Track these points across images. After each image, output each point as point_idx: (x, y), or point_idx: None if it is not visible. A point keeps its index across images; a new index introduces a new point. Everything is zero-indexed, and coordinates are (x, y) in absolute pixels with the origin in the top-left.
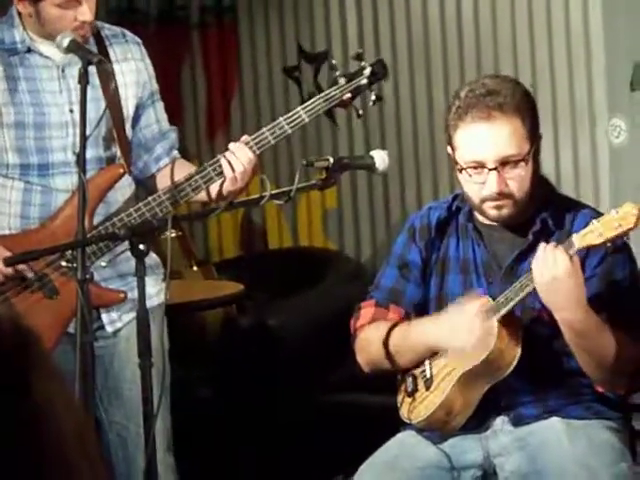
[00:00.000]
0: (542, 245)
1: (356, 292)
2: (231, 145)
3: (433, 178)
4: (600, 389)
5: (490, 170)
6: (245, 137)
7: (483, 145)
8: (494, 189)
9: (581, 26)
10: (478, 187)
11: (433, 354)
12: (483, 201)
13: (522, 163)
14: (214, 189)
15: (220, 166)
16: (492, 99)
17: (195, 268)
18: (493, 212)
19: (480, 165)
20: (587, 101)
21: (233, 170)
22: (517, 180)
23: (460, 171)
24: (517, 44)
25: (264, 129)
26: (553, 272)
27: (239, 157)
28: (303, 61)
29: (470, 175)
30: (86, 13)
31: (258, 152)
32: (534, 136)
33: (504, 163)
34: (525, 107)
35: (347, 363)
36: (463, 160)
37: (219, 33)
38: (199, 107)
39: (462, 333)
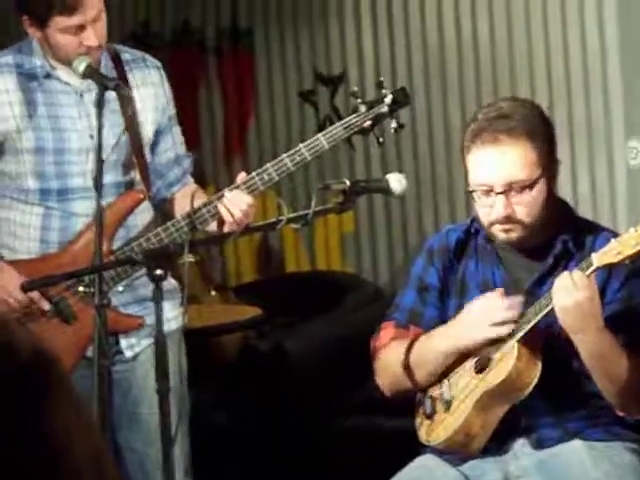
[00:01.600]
0: (564, 273)
1: (374, 316)
2: (227, 193)
3: (450, 200)
4: (620, 413)
5: (497, 194)
6: (242, 175)
7: (490, 169)
8: (501, 213)
9: (598, 47)
10: (487, 210)
11: (451, 372)
12: (492, 224)
13: (531, 188)
14: (211, 227)
15: (215, 207)
16: (502, 123)
17: (213, 293)
18: (502, 235)
19: (488, 188)
20: (604, 123)
21: (232, 216)
22: (525, 205)
23: (471, 193)
24: (533, 65)
25: (284, 155)
26: (574, 297)
27: (237, 204)
28: (319, 84)
29: (479, 198)
30: (91, 38)
31: (277, 178)
32: (548, 161)
33: (513, 187)
34: (538, 131)
35: (365, 387)
36: (473, 182)
37: (235, 57)
38: (216, 131)
39: (484, 321)
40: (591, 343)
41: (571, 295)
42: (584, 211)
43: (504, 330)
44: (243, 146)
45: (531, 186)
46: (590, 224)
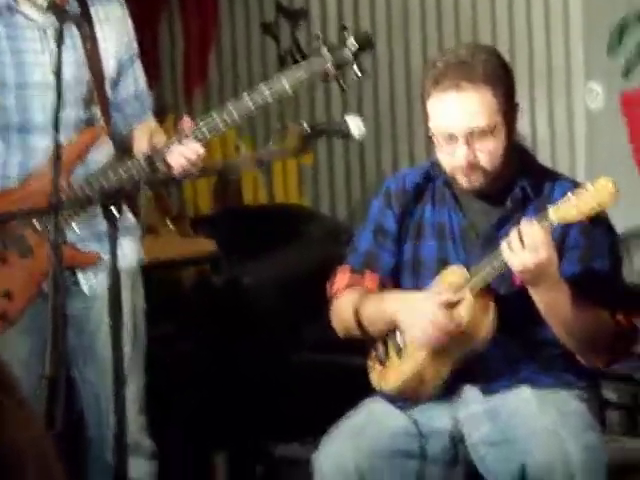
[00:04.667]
0: (515, 230)
1: (331, 250)
2: (177, 148)
3: (410, 143)
4: (584, 362)
5: (458, 141)
6: (187, 123)
7: (452, 116)
8: (462, 160)
9: None
10: (449, 157)
11: None
12: (454, 170)
13: (492, 135)
14: None
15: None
16: (463, 69)
17: (170, 224)
18: (464, 182)
19: (450, 135)
20: (564, 66)
21: (180, 166)
22: (487, 152)
23: (433, 139)
24: (495, 9)
25: (245, 96)
26: (534, 256)
27: (185, 155)
28: (281, 17)
29: (441, 144)
30: None
31: (239, 120)
32: (508, 107)
33: (474, 134)
34: (498, 77)
35: (320, 323)
36: (435, 129)
37: None
38: (176, 62)
39: (422, 323)
40: (548, 296)
41: (531, 253)
42: (543, 154)
43: (439, 340)
44: (204, 77)
45: (492, 132)
46: (549, 171)
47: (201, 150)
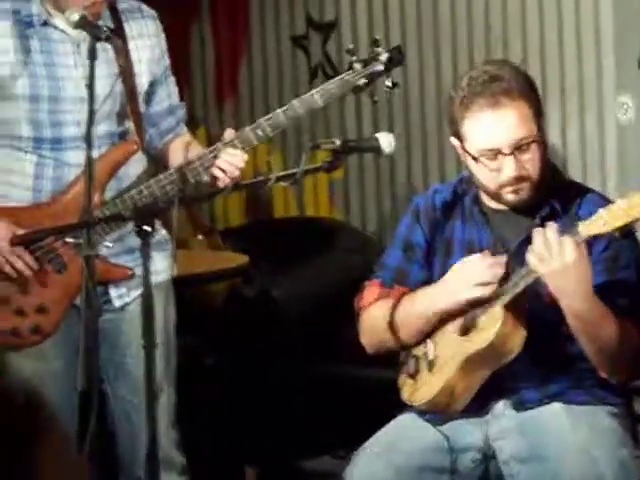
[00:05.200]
0: (539, 230)
1: (361, 263)
2: (222, 152)
3: (440, 158)
4: (603, 375)
5: (506, 155)
6: (230, 132)
7: (495, 131)
8: (512, 173)
9: (591, 3)
10: (494, 174)
11: (436, 333)
12: (500, 187)
13: (534, 144)
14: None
15: (209, 160)
16: (497, 85)
17: (200, 236)
18: (511, 197)
19: (495, 152)
20: (595, 78)
21: (226, 174)
22: (532, 161)
23: (475, 160)
24: (526, 22)
25: (278, 110)
26: (560, 261)
27: (232, 162)
28: (311, 30)
29: (485, 164)
30: None
31: (271, 134)
32: (539, 117)
33: (518, 147)
34: (528, 89)
35: (351, 335)
36: (476, 149)
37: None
38: (207, 73)
39: (467, 281)
40: (578, 308)
41: (557, 258)
42: (574, 167)
43: (487, 290)
44: (234, 89)
45: (534, 142)
46: (578, 186)
47: (245, 157)
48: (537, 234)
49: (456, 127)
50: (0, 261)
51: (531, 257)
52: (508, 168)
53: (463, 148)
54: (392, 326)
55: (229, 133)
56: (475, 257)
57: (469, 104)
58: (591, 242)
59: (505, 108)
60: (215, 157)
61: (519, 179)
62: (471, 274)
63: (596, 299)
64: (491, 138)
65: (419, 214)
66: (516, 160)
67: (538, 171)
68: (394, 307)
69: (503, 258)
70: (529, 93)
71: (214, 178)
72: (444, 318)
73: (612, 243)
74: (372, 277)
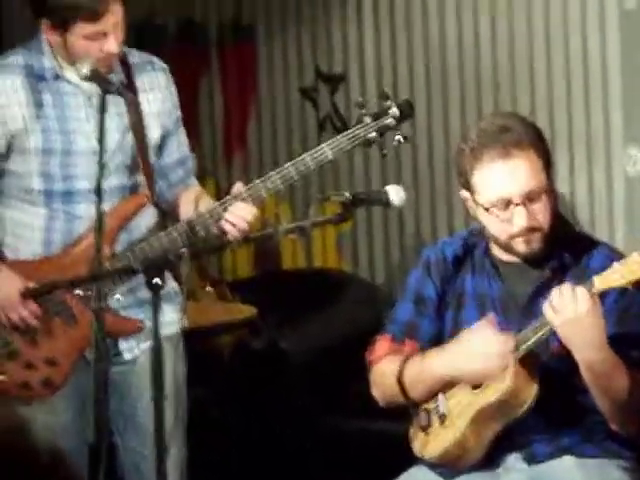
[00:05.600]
0: (557, 288)
1: (370, 315)
2: (231, 207)
3: (449, 211)
4: (614, 427)
5: (517, 205)
6: (239, 186)
7: (506, 182)
8: (524, 224)
9: (599, 55)
10: (505, 225)
11: (448, 387)
12: (512, 238)
13: (545, 194)
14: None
15: (219, 214)
16: (507, 136)
17: (209, 288)
18: (522, 247)
19: (506, 202)
20: (603, 130)
21: (235, 227)
22: (542, 212)
23: (486, 211)
24: (534, 73)
25: (288, 164)
26: (574, 311)
27: (241, 217)
28: (320, 81)
29: (496, 215)
30: (112, 45)
31: (282, 187)
32: (548, 167)
33: (529, 197)
34: (538, 140)
35: (359, 387)
36: (487, 200)
37: (237, 51)
38: (216, 125)
39: (479, 355)
40: (592, 359)
41: (570, 308)
42: (582, 219)
43: (501, 364)
44: (243, 141)
45: (543, 193)
46: (586, 238)
47: (255, 211)
48: (555, 289)
49: (466, 178)
50: (10, 313)
51: (547, 309)
52: (519, 218)
53: (473, 200)
54: (402, 384)
55: (238, 187)
56: (484, 328)
57: (479, 155)
58: (603, 293)
59: (516, 159)
60: (224, 210)
61: (530, 229)
62: (483, 348)
63: (609, 350)
64: (502, 189)
65: (430, 267)
66: (527, 210)
67: (548, 221)
68: (404, 364)
69: (511, 334)
70: (539, 143)
71: (223, 231)
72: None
73: (624, 294)
74: (383, 331)
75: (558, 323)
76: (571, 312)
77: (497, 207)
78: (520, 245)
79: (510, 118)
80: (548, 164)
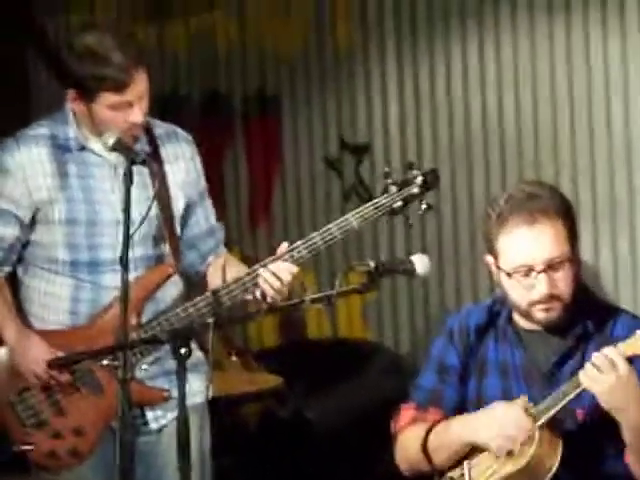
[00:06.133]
0: (594, 356)
1: (395, 385)
2: (270, 266)
3: (473, 279)
4: None
5: (539, 272)
6: (284, 246)
7: (530, 248)
8: (545, 290)
9: (622, 123)
10: (526, 291)
11: (471, 454)
12: (532, 305)
13: (568, 263)
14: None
15: (257, 275)
16: (534, 203)
17: (234, 357)
18: (541, 315)
19: (528, 269)
20: (627, 198)
21: (273, 288)
22: (564, 281)
23: (509, 276)
24: (558, 141)
25: (315, 234)
26: (615, 374)
27: (282, 277)
28: (345, 152)
29: (518, 280)
30: (137, 115)
31: (308, 255)
32: (574, 236)
33: (551, 265)
34: (564, 209)
35: (385, 457)
36: (510, 265)
37: (262, 122)
38: (241, 196)
39: (509, 429)
40: (636, 418)
41: (609, 373)
42: (607, 286)
43: (511, 445)
44: (268, 211)
45: (566, 262)
46: (608, 306)
47: (295, 269)
48: (592, 359)
49: (491, 243)
50: (36, 382)
51: (585, 379)
52: (541, 285)
53: (496, 265)
54: (426, 451)
55: (282, 247)
56: (512, 407)
57: (505, 221)
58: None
59: (541, 226)
60: (246, 284)
61: (551, 297)
62: (502, 425)
63: None
64: (525, 254)
65: (453, 335)
66: (549, 278)
67: (570, 290)
68: (429, 432)
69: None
70: (565, 213)
71: (263, 295)
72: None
73: None
74: (407, 399)
75: (599, 391)
76: (612, 377)
77: (519, 273)
78: (540, 313)
79: (539, 186)
80: (573, 234)
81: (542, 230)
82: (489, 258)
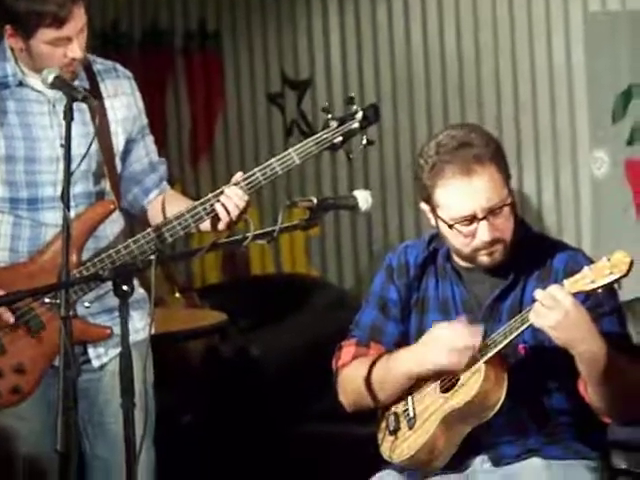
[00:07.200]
0: (537, 292)
1: (339, 320)
2: (227, 190)
3: (416, 214)
4: (611, 420)
5: (480, 220)
6: (239, 174)
7: (469, 199)
8: (487, 238)
9: (563, 59)
10: (469, 239)
11: (416, 388)
12: (475, 251)
13: (506, 207)
14: (204, 226)
15: (211, 205)
16: (467, 152)
17: (178, 295)
18: (486, 259)
19: (470, 219)
20: (569, 133)
21: (229, 213)
22: (504, 224)
23: (449, 227)
24: (500, 77)
25: (255, 170)
26: (561, 309)
27: (236, 202)
28: (287, 87)
29: (459, 230)
30: (76, 50)
31: (249, 192)
32: (508, 176)
33: (491, 212)
34: (497, 153)
35: (329, 392)
36: (450, 217)
37: (203, 58)
38: (183, 132)
39: (458, 341)
40: (593, 350)
41: (556, 309)
42: (549, 221)
43: (465, 357)
44: (210, 147)
45: (506, 205)
46: (548, 240)
47: (246, 196)
48: (536, 293)
49: (427, 194)
50: None
51: (532, 315)
52: (482, 233)
53: (435, 214)
54: (369, 386)
55: (237, 177)
56: (454, 324)
57: (440, 171)
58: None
59: (477, 175)
60: (194, 217)
61: (493, 242)
62: (451, 340)
63: (601, 337)
64: (465, 205)
65: (392, 272)
66: (490, 224)
67: (510, 232)
68: (371, 367)
69: (480, 328)
70: (498, 157)
71: (215, 219)
72: (423, 377)
73: (590, 295)
74: (348, 336)
75: (548, 327)
76: (559, 314)
77: (460, 223)
78: (483, 257)
79: (467, 131)
80: (507, 174)
81: (480, 180)
82: (425, 206)
